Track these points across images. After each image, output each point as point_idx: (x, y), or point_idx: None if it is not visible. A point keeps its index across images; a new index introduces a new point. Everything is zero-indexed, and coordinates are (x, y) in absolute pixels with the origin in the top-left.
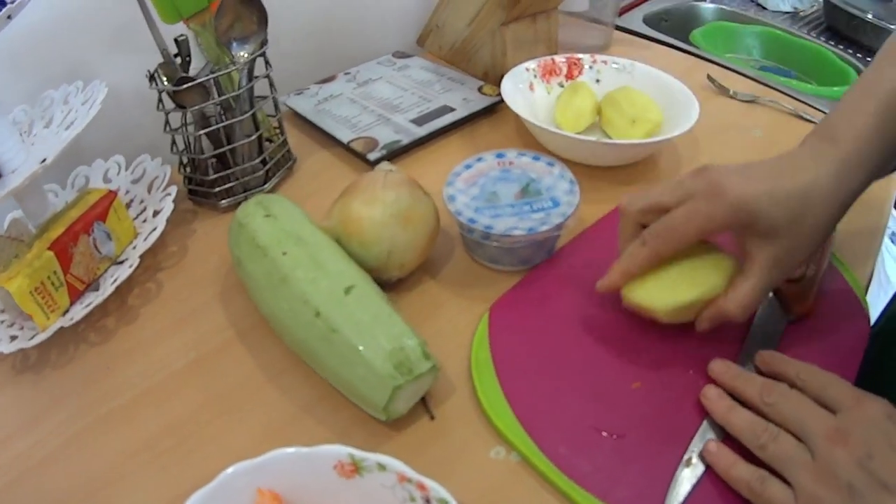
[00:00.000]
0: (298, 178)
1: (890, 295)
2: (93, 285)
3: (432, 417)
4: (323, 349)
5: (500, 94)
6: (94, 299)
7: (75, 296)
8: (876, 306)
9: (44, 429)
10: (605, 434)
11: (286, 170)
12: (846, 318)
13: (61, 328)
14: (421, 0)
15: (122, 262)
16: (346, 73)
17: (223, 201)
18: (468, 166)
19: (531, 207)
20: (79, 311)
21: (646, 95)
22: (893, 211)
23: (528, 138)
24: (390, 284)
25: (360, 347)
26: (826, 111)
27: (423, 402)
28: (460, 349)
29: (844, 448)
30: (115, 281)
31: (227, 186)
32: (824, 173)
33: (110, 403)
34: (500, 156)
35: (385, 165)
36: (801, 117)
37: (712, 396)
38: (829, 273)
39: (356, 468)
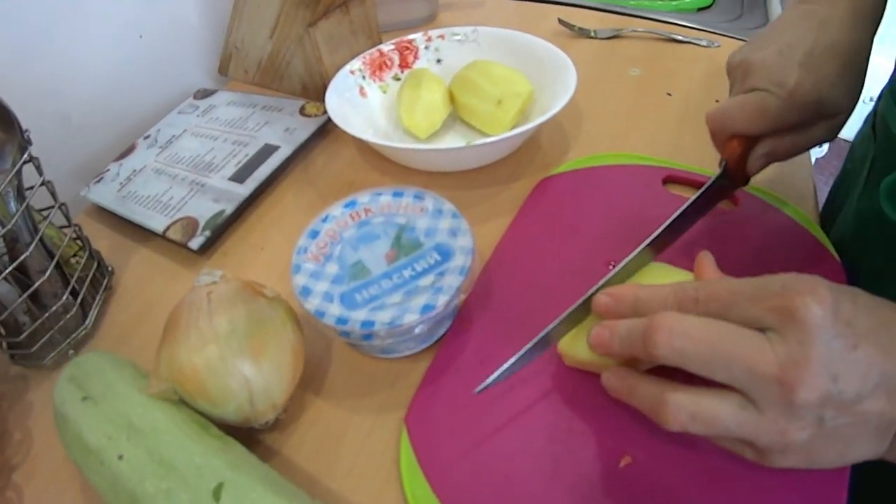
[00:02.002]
0: (122, 295)
1: None
2: None
3: None
4: None
5: (325, 112)
6: None
7: None
8: None
9: None
10: None
11: (104, 291)
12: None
13: None
14: (215, 21)
15: None
16: (146, 137)
17: (48, 358)
18: (314, 234)
19: (414, 270)
20: None
21: (503, 65)
22: None
23: (376, 158)
24: (270, 427)
25: None
26: (692, 25)
27: None
28: (389, 484)
29: (803, 386)
30: None
31: (45, 338)
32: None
33: None
34: (350, 205)
35: (205, 278)
36: (675, 40)
37: (609, 382)
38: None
39: None
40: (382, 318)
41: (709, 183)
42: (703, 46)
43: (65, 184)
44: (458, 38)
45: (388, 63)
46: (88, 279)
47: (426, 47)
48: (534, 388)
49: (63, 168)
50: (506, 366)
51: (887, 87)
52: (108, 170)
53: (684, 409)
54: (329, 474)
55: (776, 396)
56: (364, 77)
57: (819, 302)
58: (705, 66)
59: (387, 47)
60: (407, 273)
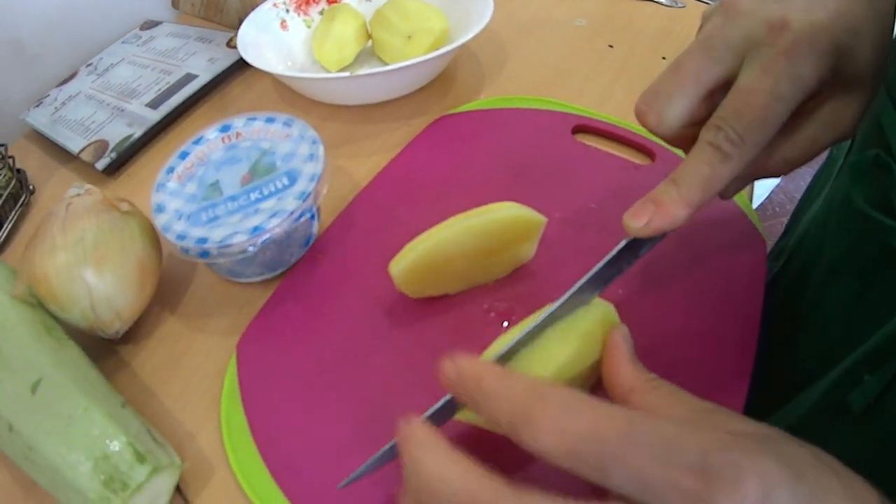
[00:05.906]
0: (38, 212)
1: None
2: None
3: None
4: (32, 472)
5: None
6: None
7: None
8: None
9: None
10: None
11: (21, 207)
12: (741, 246)
13: None
14: None
15: None
16: (88, 65)
17: None
18: (184, 155)
19: (260, 193)
20: None
21: (421, 2)
22: None
23: (287, 91)
24: (124, 339)
25: (59, 465)
26: None
27: (180, 491)
28: (212, 409)
29: None
30: None
31: None
32: None
33: None
34: (224, 129)
35: (73, 191)
36: None
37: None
38: None
39: None
40: (215, 237)
41: None
42: (665, 6)
43: (18, 109)
44: None
45: None
46: (6, 194)
47: None
48: (384, 321)
49: (16, 95)
50: (366, 465)
51: None
52: (48, 95)
53: None
54: (165, 391)
55: None
56: (288, 10)
57: None
58: (660, 25)
59: None
60: (254, 196)
